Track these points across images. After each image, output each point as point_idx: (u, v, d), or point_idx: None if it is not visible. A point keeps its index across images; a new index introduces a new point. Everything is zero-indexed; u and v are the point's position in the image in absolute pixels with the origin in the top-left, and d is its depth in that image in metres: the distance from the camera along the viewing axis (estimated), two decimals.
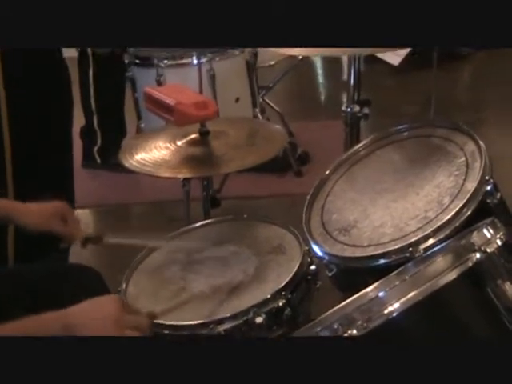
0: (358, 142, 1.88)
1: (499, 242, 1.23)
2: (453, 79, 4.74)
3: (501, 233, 1.25)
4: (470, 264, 1.18)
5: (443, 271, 1.17)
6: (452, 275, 1.17)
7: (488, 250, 1.21)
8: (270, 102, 3.96)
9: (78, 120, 3.78)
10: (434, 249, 1.38)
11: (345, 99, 2.11)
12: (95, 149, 3.69)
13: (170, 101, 1.79)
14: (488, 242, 1.22)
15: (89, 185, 3.57)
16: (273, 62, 3.47)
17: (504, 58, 4.59)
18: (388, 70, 4.68)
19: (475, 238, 1.22)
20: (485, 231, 1.25)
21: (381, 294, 1.20)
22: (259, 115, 2.67)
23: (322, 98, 4.73)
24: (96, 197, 3.58)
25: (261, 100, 2.98)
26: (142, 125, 2.60)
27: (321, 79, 4.50)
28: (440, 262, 1.18)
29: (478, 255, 1.19)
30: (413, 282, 1.20)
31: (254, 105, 2.69)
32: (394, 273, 1.34)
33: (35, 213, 1.64)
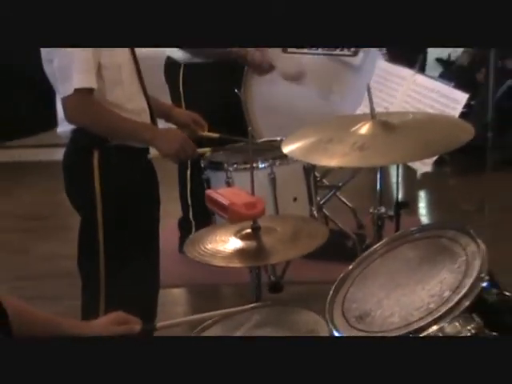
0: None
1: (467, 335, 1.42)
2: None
3: (472, 325, 1.45)
4: None
5: None
6: None
7: None
8: (342, 198, 4.26)
9: (178, 212, 4.38)
10: None
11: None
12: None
13: (224, 201, 2.12)
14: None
15: (184, 267, 4.04)
16: None
17: None
18: (454, 171, 5.08)
19: (447, 329, 1.42)
20: (456, 323, 1.45)
21: None
22: (315, 213, 2.97)
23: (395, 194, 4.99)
24: (189, 278, 4.20)
25: (319, 199, 3.26)
26: (215, 220, 2.93)
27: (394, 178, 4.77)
28: None
29: None
30: None
31: (311, 203, 2.99)
32: None
33: (97, 327, 1.87)
